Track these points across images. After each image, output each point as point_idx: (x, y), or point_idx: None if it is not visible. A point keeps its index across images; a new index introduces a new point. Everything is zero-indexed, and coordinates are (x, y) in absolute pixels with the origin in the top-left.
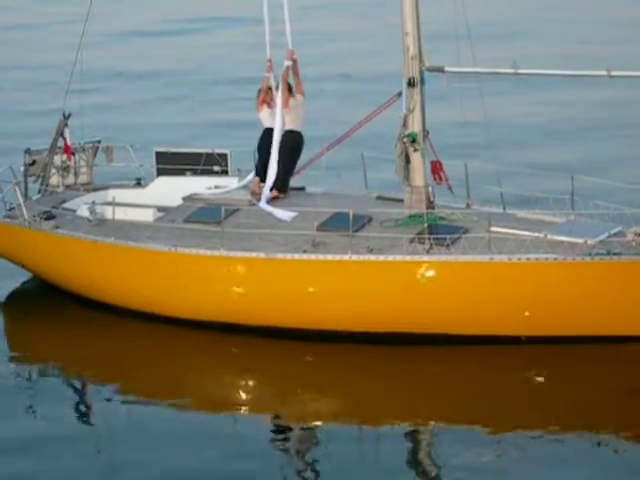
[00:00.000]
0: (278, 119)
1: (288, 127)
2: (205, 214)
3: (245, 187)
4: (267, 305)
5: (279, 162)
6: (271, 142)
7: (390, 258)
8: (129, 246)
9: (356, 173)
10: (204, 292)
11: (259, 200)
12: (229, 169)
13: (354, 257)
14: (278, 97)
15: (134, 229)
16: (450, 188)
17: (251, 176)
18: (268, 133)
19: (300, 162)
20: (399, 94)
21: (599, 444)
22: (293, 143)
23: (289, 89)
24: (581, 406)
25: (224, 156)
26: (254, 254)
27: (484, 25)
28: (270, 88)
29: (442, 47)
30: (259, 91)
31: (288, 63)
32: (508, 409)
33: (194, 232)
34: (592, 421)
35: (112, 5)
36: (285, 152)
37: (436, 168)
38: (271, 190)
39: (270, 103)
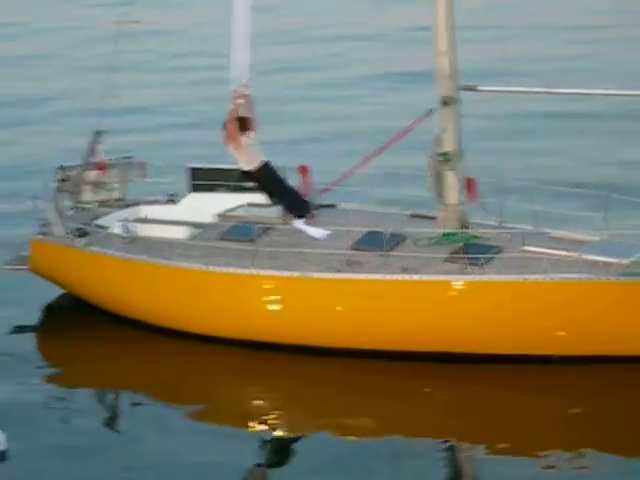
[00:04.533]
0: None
1: (246, 168)
2: (239, 232)
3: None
4: (301, 324)
5: (277, 199)
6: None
7: (424, 278)
8: (160, 264)
9: (388, 190)
10: (235, 310)
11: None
12: None
13: (388, 277)
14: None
15: (166, 247)
16: (484, 206)
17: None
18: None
19: (331, 178)
20: (431, 110)
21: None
22: (268, 174)
23: (243, 127)
24: (612, 432)
25: None
26: (288, 273)
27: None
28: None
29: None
30: (225, 123)
31: (240, 101)
32: (535, 432)
33: (227, 250)
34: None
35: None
36: (272, 187)
37: (470, 185)
38: (299, 218)
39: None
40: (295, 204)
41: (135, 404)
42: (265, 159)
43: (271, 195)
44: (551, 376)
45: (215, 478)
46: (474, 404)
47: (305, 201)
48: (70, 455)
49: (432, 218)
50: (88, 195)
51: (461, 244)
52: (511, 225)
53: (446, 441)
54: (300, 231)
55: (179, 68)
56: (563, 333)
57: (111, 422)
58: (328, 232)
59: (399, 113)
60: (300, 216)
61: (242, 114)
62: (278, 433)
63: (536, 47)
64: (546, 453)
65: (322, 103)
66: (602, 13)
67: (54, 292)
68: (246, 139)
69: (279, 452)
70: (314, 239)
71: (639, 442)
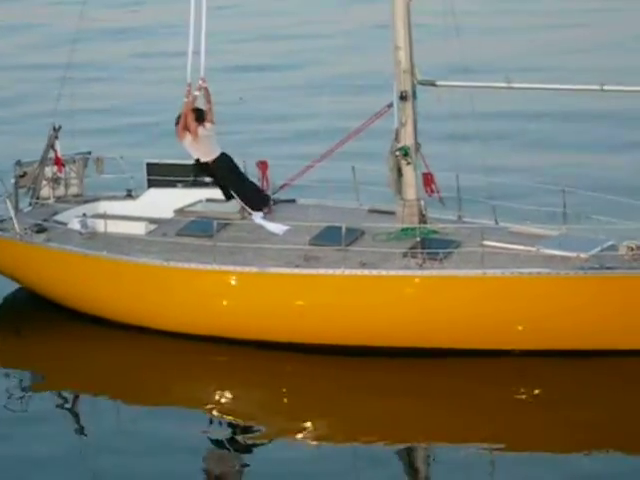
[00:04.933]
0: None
1: (204, 159)
2: (197, 228)
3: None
4: (259, 319)
5: (234, 190)
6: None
7: (383, 272)
8: (121, 260)
9: (347, 185)
10: (196, 306)
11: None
12: None
13: (347, 271)
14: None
15: (126, 242)
16: (442, 200)
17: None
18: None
19: (291, 173)
20: (389, 105)
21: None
22: (225, 166)
23: (200, 118)
24: (576, 422)
25: None
26: (246, 268)
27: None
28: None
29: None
30: (178, 117)
31: (196, 93)
32: (500, 423)
33: (186, 246)
34: (591, 438)
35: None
36: (229, 179)
37: (428, 180)
38: (256, 211)
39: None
40: (253, 197)
41: (95, 403)
42: (222, 151)
43: (228, 187)
44: (509, 364)
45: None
46: (430, 397)
47: (263, 194)
48: (24, 463)
49: (391, 213)
50: (46, 191)
51: (419, 239)
52: (470, 220)
53: (403, 436)
54: (259, 226)
55: (139, 67)
56: (522, 328)
57: (71, 425)
58: (287, 227)
59: (361, 111)
60: (258, 209)
61: (198, 106)
62: (245, 431)
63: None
64: (526, 446)
65: (282, 101)
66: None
67: (10, 287)
68: (202, 130)
69: (246, 452)
70: (273, 234)
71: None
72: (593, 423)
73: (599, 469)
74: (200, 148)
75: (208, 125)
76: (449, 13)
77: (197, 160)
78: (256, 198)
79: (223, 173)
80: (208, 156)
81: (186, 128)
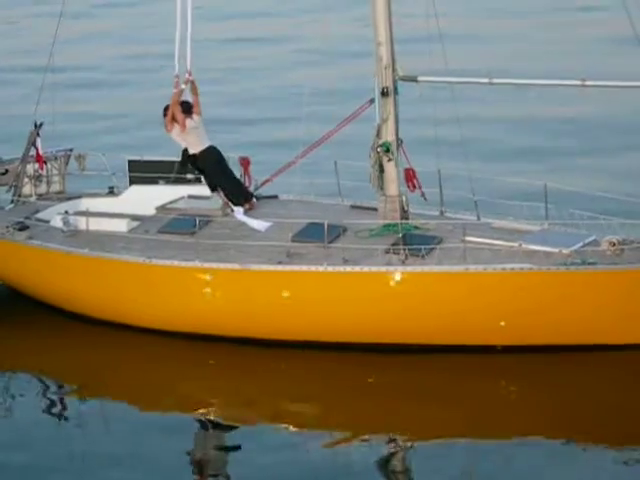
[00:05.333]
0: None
1: (192, 151)
2: (179, 225)
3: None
4: (242, 316)
5: (219, 184)
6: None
7: (365, 269)
8: (103, 257)
9: (329, 180)
10: (178, 303)
11: (233, 210)
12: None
13: (329, 268)
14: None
15: (108, 240)
16: (423, 196)
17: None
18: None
19: (274, 168)
20: (371, 101)
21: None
22: (212, 158)
23: (187, 110)
24: (560, 415)
25: None
26: (229, 265)
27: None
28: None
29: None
30: (166, 108)
31: (183, 86)
32: (483, 419)
33: (168, 243)
34: (573, 430)
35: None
36: (215, 171)
37: (409, 176)
38: (236, 205)
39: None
40: (237, 191)
41: (77, 401)
42: (210, 143)
43: (213, 180)
44: (492, 360)
45: (155, 473)
46: (414, 392)
47: (247, 190)
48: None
49: (373, 209)
50: (28, 188)
51: (402, 235)
52: (452, 215)
53: (387, 432)
54: (241, 223)
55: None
56: (504, 323)
57: (49, 423)
58: (269, 224)
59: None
60: (240, 204)
61: (185, 98)
62: (220, 424)
63: None
64: (492, 440)
65: (264, 102)
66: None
67: None
68: (190, 122)
69: (222, 444)
70: (255, 231)
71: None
72: (576, 416)
73: (581, 456)
74: (188, 139)
75: (195, 117)
76: (432, 15)
77: (185, 150)
78: (240, 193)
79: (210, 165)
80: (196, 147)
81: (174, 120)
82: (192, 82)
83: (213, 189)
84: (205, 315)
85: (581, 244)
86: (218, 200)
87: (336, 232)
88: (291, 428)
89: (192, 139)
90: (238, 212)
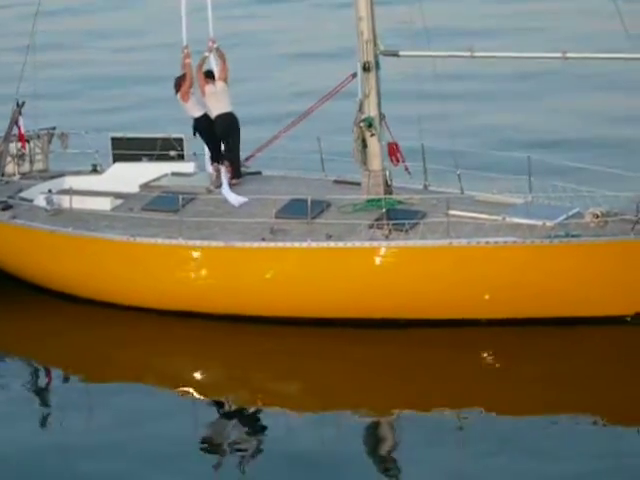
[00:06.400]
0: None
1: (212, 114)
2: (162, 202)
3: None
4: (227, 293)
5: (225, 150)
6: (208, 125)
7: (349, 244)
8: (87, 236)
9: (312, 155)
10: (163, 281)
11: (217, 187)
12: (185, 154)
13: (313, 244)
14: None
15: (92, 218)
16: (407, 169)
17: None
18: (204, 119)
19: (256, 144)
20: (354, 75)
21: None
22: (226, 125)
23: (209, 76)
24: (543, 386)
25: (180, 141)
26: (213, 243)
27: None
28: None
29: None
30: (177, 79)
31: (206, 54)
32: (468, 391)
33: (152, 221)
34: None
35: None
36: (223, 136)
37: (393, 150)
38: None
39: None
40: (236, 165)
41: (65, 381)
42: (230, 110)
43: (221, 144)
44: (476, 333)
45: (151, 452)
46: (399, 367)
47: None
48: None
49: (356, 184)
50: (10, 167)
51: (385, 210)
52: (436, 189)
53: (373, 406)
54: (225, 201)
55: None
56: (489, 297)
57: (39, 404)
58: (245, 199)
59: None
60: (232, 178)
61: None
62: (216, 403)
63: None
64: (498, 411)
65: (250, 81)
66: None
67: None
68: (211, 87)
69: (217, 424)
70: (232, 205)
71: (566, 394)
72: (560, 387)
73: (564, 424)
74: (208, 103)
75: (219, 83)
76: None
77: (197, 119)
78: (237, 168)
79: (218, 128)
80: (214, 112)
81: (188, 90)
82: (217, 49)
83: (215, 159)
84: (190, 293)
85: (565, 217)
86: (202, 177)
87: (319, 208)
88: (275, 407)
89: (212, 103)
90: (225, 187)
